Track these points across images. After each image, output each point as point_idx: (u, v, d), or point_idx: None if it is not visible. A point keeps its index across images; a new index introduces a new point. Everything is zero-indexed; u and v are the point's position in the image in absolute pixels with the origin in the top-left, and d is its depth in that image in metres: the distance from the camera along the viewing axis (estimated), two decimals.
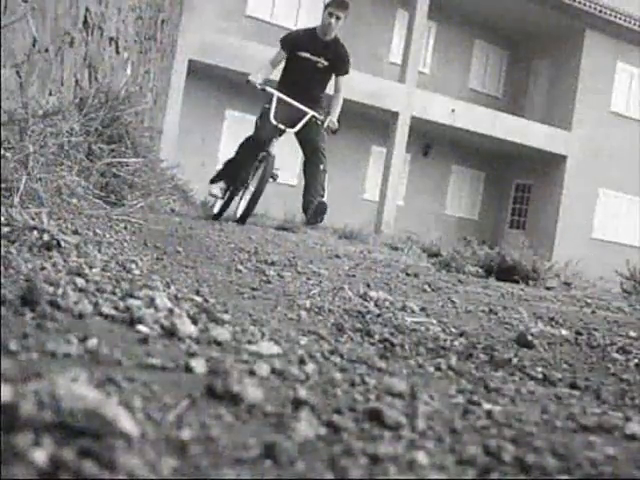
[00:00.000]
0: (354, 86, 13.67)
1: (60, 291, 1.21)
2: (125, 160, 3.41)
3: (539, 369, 1.42)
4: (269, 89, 5.76)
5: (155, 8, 6.96)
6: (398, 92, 16.27)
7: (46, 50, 2.73)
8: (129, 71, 5.55)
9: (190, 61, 14.22)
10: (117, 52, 4.74)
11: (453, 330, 1.78)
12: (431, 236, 10.25)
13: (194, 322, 1.23)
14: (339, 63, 5.97)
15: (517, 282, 4.46)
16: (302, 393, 0.88)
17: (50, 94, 2.93)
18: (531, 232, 18.34)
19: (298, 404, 0.85)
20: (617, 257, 13.18)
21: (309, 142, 5.92)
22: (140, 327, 1.12)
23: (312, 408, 0.85)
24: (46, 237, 1.66)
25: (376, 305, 2.04)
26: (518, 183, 20.48)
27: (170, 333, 1.13)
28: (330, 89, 6.08)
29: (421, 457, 0.71)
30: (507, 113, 18.57)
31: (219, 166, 6.73)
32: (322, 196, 5.83)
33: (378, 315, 1.82)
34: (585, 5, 17.71)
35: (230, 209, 6.39)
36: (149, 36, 6.88)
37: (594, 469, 0.77)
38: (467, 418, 0.94)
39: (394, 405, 0.92)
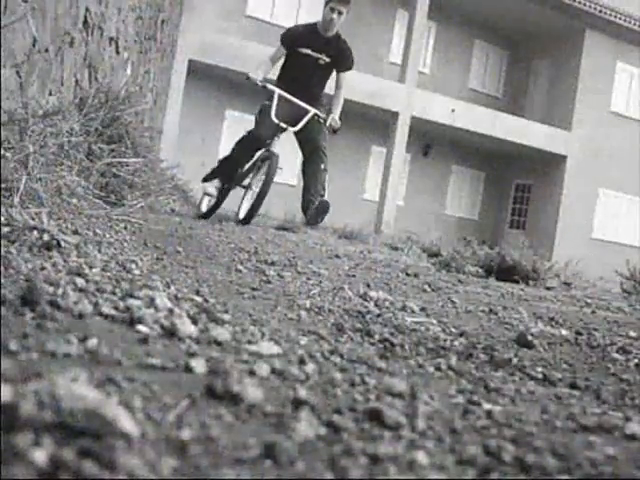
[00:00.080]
0: (354, 86, 13.66)
1: (60, 291, 1.21)
2: (125, 160, 3.41)
3: (539, 369, 1.42)
4: (270, 86, 5.64)
5: (155, 8, 6.96)
6: (398, 92, 16.27)
7: (46, 50, 2.73)
8: (129, 71, 5.55)
9: (190, 61, 14.22)
10: (117, 52, 4.74)
11: (453, 330, 1.78)
12: (431, 236, 10.25)
13: (194, 322, 1.23)
14: (341, 59, 5.82)
15: (517, 282, 4.46)
16: (302, 393, 0.88)
17: (50, 94, 2.93)
18: (531, 232, 18.34)
19: (298, 404, 0.85)
20: (617, 257, 13.18)
21: (310, 141, 5.76)
22: (140, 327, 1.12)
23: (312, 408, 0.85)
24: (46, 237, 1.66)
25: (376, 305, 2.04)
26: (518, 183, 20.49)
27: (170, 333, 1.13)
28: (329, 88, 5.97)
29: (421, 457, 0.71)
30: (507, 113, 18.57)
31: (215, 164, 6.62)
32: (322, 196, 5.69)
33: (378, 315, 1.82)
34: (585, 5, 17.71)
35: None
36: (149, 36, 6.88)
37: (594, 469, 0.77)
38: (467, 418, 0.94)
39: (394, 405, 0.92)
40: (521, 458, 0.76)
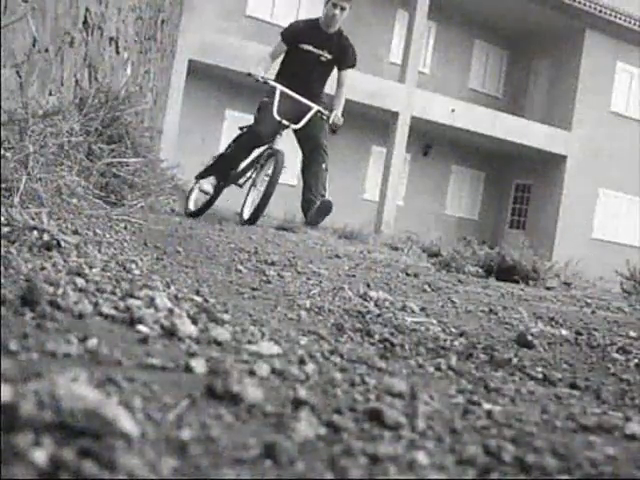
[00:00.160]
0: (354, 86, 13.65)
1: (60, 291, 1.21)
2: (125, 160, 3.41)
3: (539, 369, 1.42)
4: (272, 82, 5.51)
5: (155, 8, 6.96)
6: (398, 92, 16.27)
7: (46, 50, 2.73)
8: (129, 71, 5.55)
9: (190, 61, 14.22)
10: (117, 52, 4.74)
11: (453, 330, 1.78)
12: (431, 236, 10.25)
13: (194, 322, 1.23)
14: (343, 56, 5.68)
15: (517, 282, 4.46)
16: (302, 393, 0.88)
17: (50, 94, 2.93)
18: (531, 232, 18.34)
19: (298, 404, 0.85)
20: (617, 257, 13.18)
21: (311, 138, 5.60)
22: (140, 327, 1.12)
23: (312, 408, 0.85)
24: (46, 237, 1.66)
25: (376, 305, 2.04)
26: (518, 183, 20.49)
27: (170, 333, 1.13)
28: (329, 88, 5.84)
29: (421, 457, 0.71)
30: (507, 113, 18.57)
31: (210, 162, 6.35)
32: (323, 196, 5.54)
33: (378, 315, 1.82)
34: (585, 5, 17.71)
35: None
36: (149, 36, 6.88)
37: (594, 469, 0.77)
38: (467, 418, 0.94)
39: (394, 405, 0.92)
40: (521, 458, 0.76)
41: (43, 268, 1.42)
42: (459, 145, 19.66)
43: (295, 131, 5.61)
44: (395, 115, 16.37)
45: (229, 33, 15.52)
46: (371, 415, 0.85)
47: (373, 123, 17.71)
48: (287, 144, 5.65)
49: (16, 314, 1.05)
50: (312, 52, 5.61)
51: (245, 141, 5.67)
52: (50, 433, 0.58)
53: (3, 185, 1.83)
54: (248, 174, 5.94)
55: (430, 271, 4.25)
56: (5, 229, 1.60)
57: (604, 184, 19.45)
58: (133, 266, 1.79)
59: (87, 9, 3.41)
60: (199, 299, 1.53)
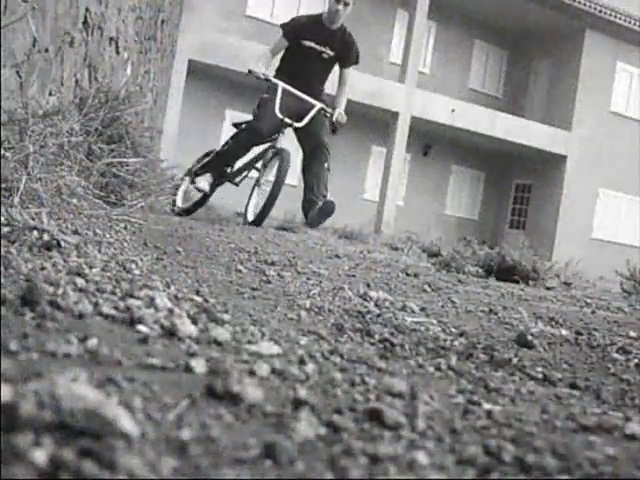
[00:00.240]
0: (354, 86, 13.66)
1: (60, 291, 1.21)
2: (125, 160, 3.41)
3: (539, 369, 1.42)
4: (274, 80, 5.35)
5: (155, 8, 6.96)
6: (398, 92, 16.28)
7: (46, 50, 2.73)
8: (129, 71, 5.55)
9: (190, 61, 14.22)
10: (117, 52, 4.74)
11: (453, 330, 1.78)
12: (431, 236, 10.25)
13: (194, 322, 1.23)
14: (346, 53, 5.52)
15: (517, 282, 4.46)
16: (302, 393, 0.88)
17: (50, 94, 2.93)
18: (531, 232, 18.34)
19: (298, 404, 0.85)
20: (617, 257, 13.18)
21: (313, 136, 5.42)
22: (140, 327, 1.12)
23: (312, 408, 0.85)
24: (46, 237, 1.66)
25: (376, 305, 2.04)
26: (518, 183, 20.49)
27: (170, 333, 1.13)
28: (329, 88, 5.75)
29: (421, 457, 0.71)
30: (507, 113, 18.58)
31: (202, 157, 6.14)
32: (325, 196, 5.39)
33: (378, 315, 1.82)
34: (585, 5, 17.71)
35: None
36: (149, 36, 6.88)
37: (594, 469, 0.77)
38: (467, 418, 0.94)
39: (394, 405, 0.92)
40: (521, 458, 0.76)
41: (43, 268, 1.42)
42: (459, 145, 19.66)
43: (296, 129, 5.45)
44: (395, 115, 16.37)
45: (229, 33, 15.52)
46: (371, 415, 0.85)
47: (373, 123, 17.72)
48: (285, 143, 5.53)
49: (16, 314, 1.05)
50: (314, 49, 5.45)
51: (244, 138, 5.52)
52: (50, 433, 0.58)
53: (3, 185, 1.83)
54: (245, 173, 5.80)
55: (430, 271, 4.25)
56: (5, 229, 1.61)
57: (604, 184, 19.46)
58: (133, 266, 1.79)
59: (87, 9, 3.41)
60: (199, 299, 1.53)
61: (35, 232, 1.65)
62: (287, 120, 5.30)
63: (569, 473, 0.74)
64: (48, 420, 0.59)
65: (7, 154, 1.93)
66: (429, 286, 2.95)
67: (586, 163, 19.01)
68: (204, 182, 5.62)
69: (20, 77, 2.44)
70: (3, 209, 1.67)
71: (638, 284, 4.58)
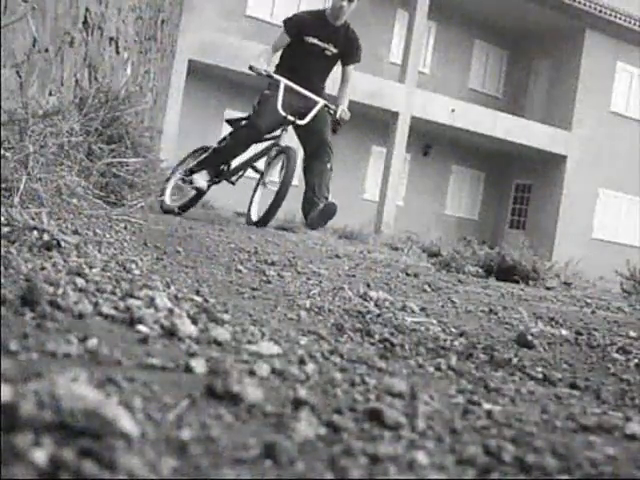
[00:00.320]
0: (354, 86, 13.67)
1: (60, 291, 1.21)
2: (125, 160, 3.41)
3: (539, 369, 1.42)
4: (276, 76, 5.21)
5: (155, 8, 6.96)
6: (398, 92, 16.28)
7: (46, 50, 2.73)
8: (129, 71, 5.55)
9: (190, 61, 14.23)
10: (117, 52, 4.74)
11: (453, 330, 1.78)
12: (431, 236, 10.25)
13: (194, 322, 1.23)
14: (349, 51, 5.38)
15: (517, 282, 4.46)
16: (302, 393, 0.88)
17: (50, 94, 2.93)
18: (531, 232, 18.34)
19: (298, 404, 0.85)
20: (617, 257, 13.18)
21: (317, 134, 5.26)
22: (140, 327, 1.12)
23: (312, 408, 0.85)
24: (46, 237, 1.66)
25: (376, 305, 2.04)
26: (518, 183, 20.49)
27: (170, 333, 1.13)
28: (330, 87, 5.65)
29: (421, 457, 0.71)
30: (507, 113, 18.58)
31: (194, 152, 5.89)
32: (327, 198, 5.21)
33: (378, 315, 1.82)
34: (585, 5, 17.72)
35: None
36: (149, 36, 6.88)
37: (594, 469, 0.77)
38: (467, 418, 0.94)
39: (394, 405, 0.92)
40: (521, 458, 0.76)
41: (43, 268, 1.42)
42: (459, 145, 19.66)
43: (298, 127, 5.30)
44: (395, 115, 16.37)
45: (229, 33, 15.52)
46: (371, 415, 0.85)
47: (373, 123, 17.72)
48: (285, 141, 5.38)
49: (16, 314, 1.05)
50: (317, 45, 5.32)
51: (243, 135, 5.36)
52: (50, 433, 0.58)
53: (3, 185, 1.83)
54: (241, 172, 5.65)
55: (430, 271, 4.25)
56: (5, 229, 1.61)
57: (604, 184, 19.46)
58: (133, 266, 1.79)
59: (87, 9, 3.41)
60: (199, 299, 1.53)
61: (35, 232, 1.65)
62: (290, 117, 5.17)
63: (569, 473, 0.74)
64: (48, 420, 0.59)
65: (7, 154, 1.93)
66: (429, 286, 2.95)
67: (586, 163, 19.01)
68: (201, 180, 5.42)
69: (20, 77, 2.44)
70: (3, 209, 1.67)
71: (638, 284, 4.58)
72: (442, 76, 19.63)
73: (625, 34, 18.91)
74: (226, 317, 1.35)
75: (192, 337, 1.13)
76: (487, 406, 1.02)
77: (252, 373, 0.97)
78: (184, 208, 5.49)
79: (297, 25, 5.34)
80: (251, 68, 5.16)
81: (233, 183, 5.72)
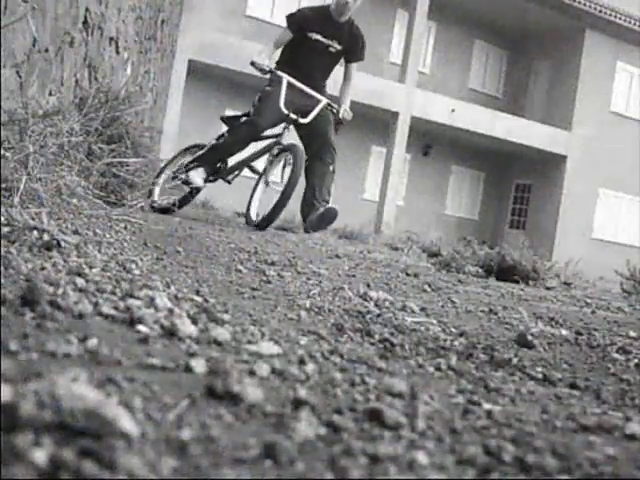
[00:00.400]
0: (355, 86, 13.67)
1: (60, 291, 1.21)
2: (125, 160, 3.41)
3: (539, 369, 1.42)
4: (279, 72, 5.06)
5: (155, 8, 6.96)
6: (398, 92, 16.28)
7: (46, 50, 2.73)
8: (129, 71, 5.55)
9: (190, 61, 14.23)
10: (117, 52, 4.74)
11: (453, 330, 1.78)
12: (431, 236, 10.26)
13: (194, 322, 1.23)
14: (353, 48, 5.26)
15: (517, 282, 4.46)
16: (302, 393, 0.88)
17: (50, 94, 2.93)
18: (531, 232, 18.35)
19: (298, 404, 0.85)
20: (617, 257, 13.18)
21: (319, 134, 5.11)
22: (140, 327, 1.12)
23: (312, 408, 0.85)
24: (46, 237, 1.66)
25: (376, 305, 2.04)
26: (518, 183, 20.49)
27: (170, 333, 1.13)
28: (330, 87, 5.52)
29: (421, 457, 0.71)
30: (507, 113, 18.58)
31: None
32: (327, 202, 5.06)
33: (378, 315, 1.82)
34: (585, 5, 17.72)
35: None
36: (149, 36, 6.88)
37: (594, 469, 0.77)
38: (467, 418, 0.94)
39: (394, 405, 0.92)
40: (521, 458, 0.76)
41: (43, 268, 1.42)
42: (459, 145, 19.66)
43: (299, 126, 5.12)
44: (395, 115, 16.37)
45: (229, 33, 15.52)
46: (371, 415, 0.85)
47: (373, 123, 17.71)
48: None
49: (16, 314, 1.05)
50: (321, 42, 5.17)
51: (243, 133, 5.17)
52: (50, 433, 0.58)
53: (3, 185, 1.83)
54: (237, 172, 5.49)
55: (430, 271, 4.25)
56: (5, 229, 1.61)
57: (604, 184, 19.46)
58: (133, 266, 1.79)
59: (87, 9, 3.41)
60: (199, 299, 1.53)
61: (35, 232, 1.65)
62: (292, 116, 5.02)
63: (569, 473, 0.74)
64: (48, 420, 0.59)
65: (7, 154, 1.93)
66: (429, 286, 2.95)
67: (586, 163, 19.01)
68: (198, 178, 5.21)
69: (20, 77, 2.44)
70: (3, 209, 1.67)
71: (638, 284, 4.58)
72: (442, 76, 19.63)
73: (625, 34, 18.91)
74: (226, 317, 1.35)
75: (192, 337, 1.13)
76: (487, 406, 1.02)
77: (252, 373, 0.97)
78: (178, 206, 5.24)
79: (300, 21, 5.20)
80: (253, 64, 5.03)
81: (229, 182, 5.57)
